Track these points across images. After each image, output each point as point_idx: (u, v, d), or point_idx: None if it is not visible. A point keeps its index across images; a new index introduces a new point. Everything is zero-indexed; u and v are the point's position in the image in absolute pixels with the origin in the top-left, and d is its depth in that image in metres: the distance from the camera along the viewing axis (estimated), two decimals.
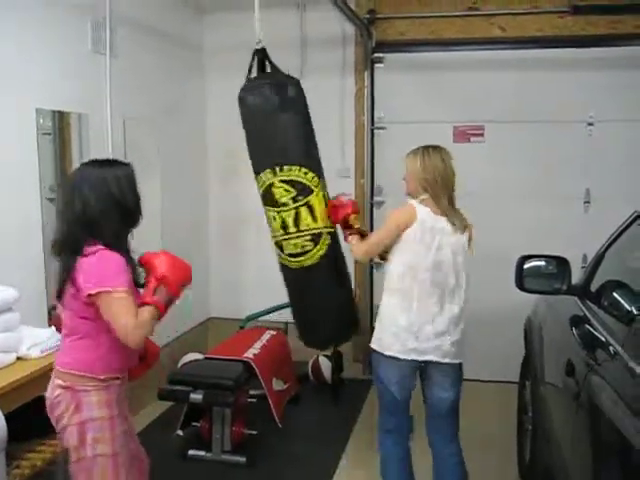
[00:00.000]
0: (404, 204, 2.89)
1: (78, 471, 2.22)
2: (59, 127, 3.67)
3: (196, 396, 3.55)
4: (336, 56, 5.05)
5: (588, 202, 4.75)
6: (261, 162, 2.78)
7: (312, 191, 2.79)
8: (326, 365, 4.75)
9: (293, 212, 2.73)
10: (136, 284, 2.22)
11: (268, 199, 2.79)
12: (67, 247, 2.15)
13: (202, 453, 3.66)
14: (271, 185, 2.74)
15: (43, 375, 2.70)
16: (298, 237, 2.76)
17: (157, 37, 4.53)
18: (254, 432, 3.75)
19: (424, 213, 2.78)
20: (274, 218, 2.78)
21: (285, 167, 2.73)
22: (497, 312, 4.74)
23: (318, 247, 2.81)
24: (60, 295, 2.20)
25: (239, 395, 3.67)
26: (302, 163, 2.80)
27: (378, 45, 4.94)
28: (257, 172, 2.82)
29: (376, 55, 4.95)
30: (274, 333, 4.39)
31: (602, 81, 4.63)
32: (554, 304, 3.10)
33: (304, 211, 2.74)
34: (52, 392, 2.22)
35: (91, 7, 3.75)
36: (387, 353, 2.82)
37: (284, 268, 2.91)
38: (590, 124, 4.71)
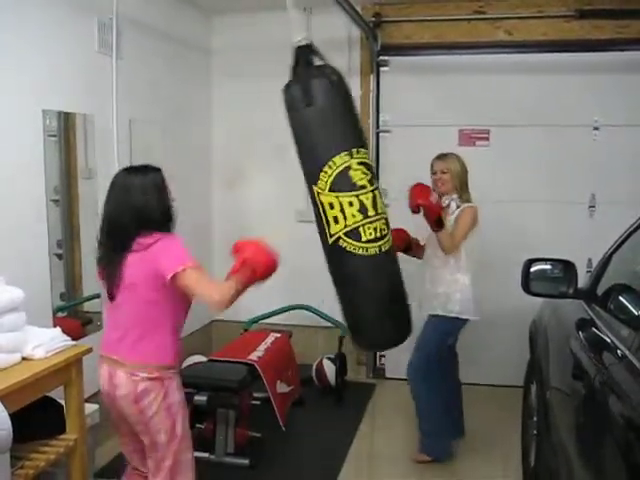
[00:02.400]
0: (469, 207, 3.65)
1: (168, 452, 2.49)
2: (65, 128, 3.67)
3: (200, 398, 3.54)
4: (342, 59, 5.03)
5: (593, 206, 4.74)
6: (335, 146, 2.63)
7: (375, 174, 2.83)
8: (330, 368, 4.75)
9: (371, 195, 2.62)
10: None
11: (344, 183, 2.61)
12: (115, 245, 2.42)
13: (205, 455, 3.65)
14: (349, 167, 2.59)
15: (48, 375, 2.70)
16: (378, 220, 2.64)
17: (164, 39, 4.54)
18: (258, 434, 3.75)
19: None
20: (350, 204, 2.60)
21: (361, 149, 2.64)
22: (502, 316, 4.73)
23: (390, 231, 2.74)
24: (113, 295, 2.45)
25: (243, 397, 3.67)
26: (364, 145, 2.74)
27: (383, 48, 4.95)
28: (329, 157, 2.63)
29: (381, 58, 4.96)
30: (278, 336, 4.39)
31: (608, 85, 4.62)
32: (559, 308, 3.09)
33: (378, 194, 2.68)
34: (134, 386, 2.41)
35: (98, 8, 3.76)
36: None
37: (356, 258, 2.66)
38: (595, 128, 4.70)
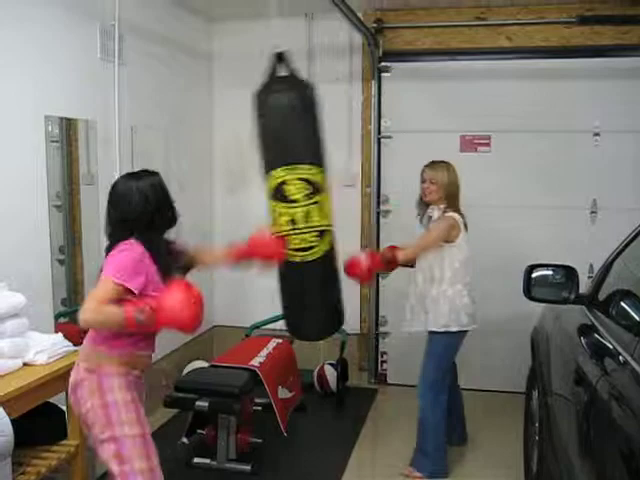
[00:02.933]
0: (448, 217, 3.56)
1: (110, 455, 2.37)
2: (67, 134, 3.69)
3: (202, 404, 3.54)
4: (343, 65, 5.06)
5: (595, 212, 4.74)
6: (275, 160, 2.87)
7: (322, 190, 2.90)
8: (331, 373, 4.75)
9: (304, 209, 2.84)
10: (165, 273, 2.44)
11: (278, 195, 2.86)
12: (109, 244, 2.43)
13: (207, 461, 3.64)
14: (284, 182, 2.82)
15: (49, 381, 2.71)
16: (307, 232, 2.86)
17: (166, 45, 4.55)
18: (259, 440, 3.74)
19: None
20: (280, 214, 2.86)
21: (299, 165, 2.82)
22: (504, 322, 4.73)
23: (322, 243, 2.92)
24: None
25: (244, 403, 3.67)
26: (315, 162, 2.90)
27: (385, 54, 4.96)
28: (270, 169, 2.88)
29: (383, 64, 4.97)
30: (280, 341, 4.38)
31: (608, 91, 4.63)
32: (561, 314, 3.08)
33: (315, 208, 2.86)
34: (76, 373, 2.44)
35: (100, 15, 3.77)
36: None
37: (284, 262, 2.94)
38: (596, 134, 4.71)
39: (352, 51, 5.04)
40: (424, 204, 3.73)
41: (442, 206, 3.63)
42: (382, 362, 5.22)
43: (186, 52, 4.94)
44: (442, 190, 3.61)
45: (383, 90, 5.04)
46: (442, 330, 3.54)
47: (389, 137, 5.05)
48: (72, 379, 2.45)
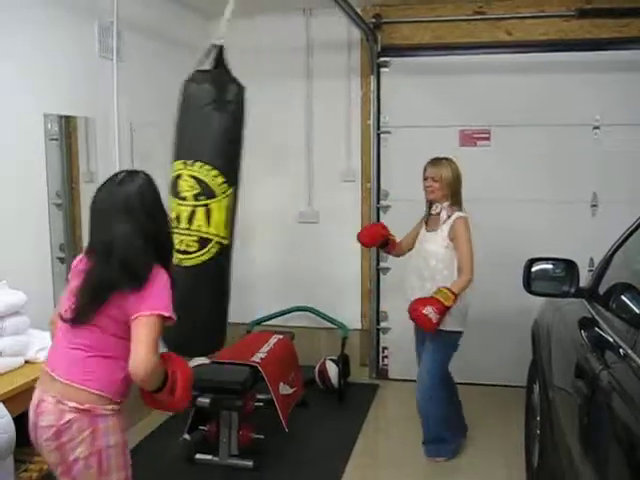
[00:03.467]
0: (460, 218, 3.59)
1: None
2: (66, 132, 3.69)
3: (203, 400, 3.55)
4: (342, 60, 5.05)
5: (595, 205, 4.74)
6: (178, 152, 2.76)
7: (215, 195, 2.70)
8: (333, 369, 4.75)
9: (190, 209, 2.67)
10: None
11: (173, 189, 2.73)
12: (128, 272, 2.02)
13: (209, 457, 3.66)
14: (179, 176, 2.69)
15: None
16: (188, 235, 2.68)
17: (164, 42, 4.55)
18: (261, 436, 3.75)
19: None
20: (172, 209, 2.67)
21: (197, 163, 2.68)
22: (504, 315, 4.73)
23: (202, 252, 2.70)
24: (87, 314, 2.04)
25: (246, 399, 3.67)
26: (215, 165, 2.72)
27: (384, 49, 4.95)
28: (173, 160, 2.78)
29: (382, 59, 4.96)
30: (281, 337, 4.39)
31: (608, 84, 4.62)
32: (561, 307, 3.08)
33: (200, 212, 2.67)
34: (60, 415, 2.01)
35: (98, 12, 3.76)
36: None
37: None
38: (596, 127, 4.70)
39: (351, 46, 5.03)
40: (427, 202, 3.74)
41: (446, 204, 3.62)
42: (383, 357, 5.22)
43: (185, 49, 4.92)
44: (446, 187, 3.60)
45: (382, 85, 5.03)
46: (449, 329, 3.55)
47: (388, 132, 5.04)
48: (53, 420, 2.02)
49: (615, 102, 4.63)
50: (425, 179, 3.66)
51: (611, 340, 2.19)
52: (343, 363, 4.75)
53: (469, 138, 4.91)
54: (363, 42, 4.96)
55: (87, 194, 3.74)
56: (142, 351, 1.92)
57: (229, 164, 2.77)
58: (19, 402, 2.49)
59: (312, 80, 5.01)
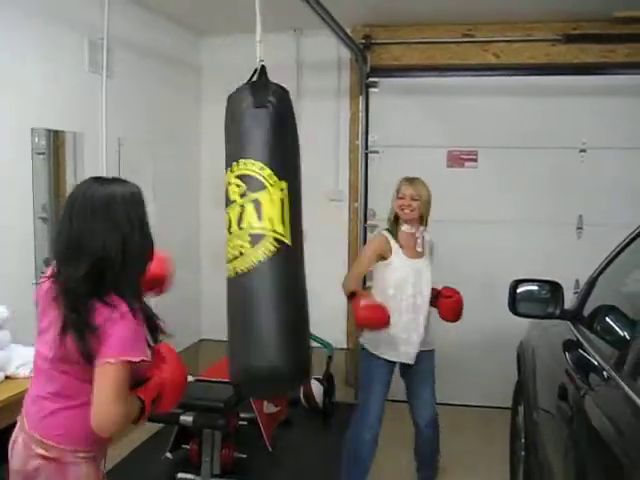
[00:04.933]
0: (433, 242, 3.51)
1: None
2: (54, 146, 3.67)
3: (186, 418, 3.51)
4: (331, 80, 5.09)
5: (581, 228, 4.77)
6: (227, 163, 2.44)
7: (264, 187, 2.32)
8: (318, 389, 4.72)
9: (238, 209, 2.29)
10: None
11: (225, 201, 2.40)
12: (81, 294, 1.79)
13: (191, 476, 3.61)
14: (228, 184, 2.37)
15: None
16: (236, 237, 2.27)
17: (155, 58, 4.56)
18: (244, 456, 3.71)
19: None
20: (225, 222, 2.37)
21: (240, 161, 2.37)
22: (490, 337, 4.74)
23: (255, 250, 2.23)
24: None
25: (230, 418, 3.64)
26: (260, 159, 2.38)
27: (373, 70, 4.98)
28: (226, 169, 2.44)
29: (371, 80, 4.99)
30: None
31: (594, 108, 4.67)
32: (547, 329, 3.09)
33: (250, 206, 2.27)
34: (28, 461, 1.85)
35: (89, 27, 3.77)
36: None
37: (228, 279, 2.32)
38: (582, 150, 4.75)
39: (340, 66, 5.07)
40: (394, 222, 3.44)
41: (422, 228, 3.40)
42: None
43: (175, 65, 4.95)
44: (423, 207, 3.35)
45: (371, 105, 5.06)
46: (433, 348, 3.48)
47: (376, 152, 5.06)
48: (21, 465, 1.87)
49: (601, 126, 4.68)
50: (402, 198, 3.37)
51: (595, 362, 2.19)
52: (328, 382, 4.72)
53: (457, 159, 4.94)
54: (352, 62, 5.00)
55: None
56: (107, 407, 1.74)
57: (277, 158, 2.40)
58: None
59: (301, 99, 5.03)
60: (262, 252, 2.23)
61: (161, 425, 4.05)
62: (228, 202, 2.35)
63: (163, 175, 4.63)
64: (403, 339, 3.32)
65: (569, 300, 2.89)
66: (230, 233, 2.30)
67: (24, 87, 3.30)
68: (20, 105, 3.28)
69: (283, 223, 2.30)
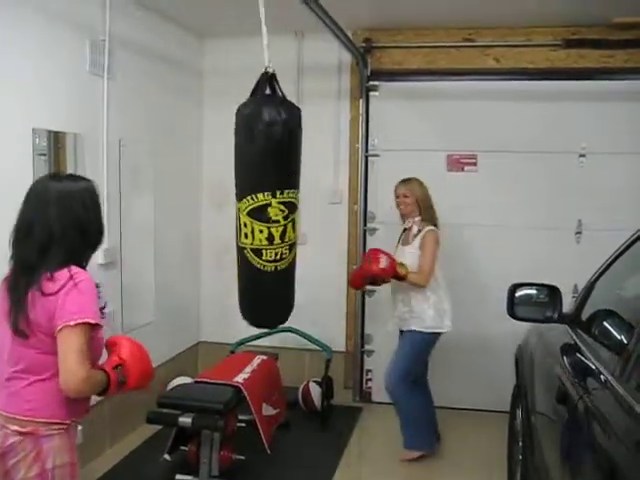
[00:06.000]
0: (431, 231, 3.93)
1: None
2: (55, 147, 3.68)
3: (185, 420, 3.52)
4: (332, 83, 5.10)
5: (579, 232, 4.78)
6: (261, 185, 3.10)
7: (297, 208, 3.24)
8: (316, 391, 4.73)
9: (282, 227, 3.14)
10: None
11: (260, 215, 3.12)
12: (31, 269, 1.99)
13: (189, 478, 3.61)
14: (269, 204, 3.09)
15: None
16: (282, 247, 3.17)
17: (156, 60, 4.57)
18: (242, 457, 3.71)
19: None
20: (260, 231, 3.13)
21: (285, 191, 3.10)
22: (488, 340, 4.74)
23: (292, 254, 3.27)
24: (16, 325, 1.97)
25: (228, 420, 3.64)
26: (295, 185, 3.22)
27: (373, 73, 4.99)
28: (255, 192, 3.10)
29: (371, 83, 5.00)
30: (265, 358, 4.37)
31: (594, 113, 4.69)
32: (545, 332, 3.10)
33: (291, 225, 3.18)
34: (3, 438, 1.97)
35: (90, 29, 3.78)
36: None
37: (253, 269, 3.23)
38: (582, 155, 4.76)
39: (341, 69, 5.08)
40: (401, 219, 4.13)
41: (417, 218, 3.99)
42: (367, 380, 5.21)
43: (176, 67, 4.96)
44: (417, 202, 3.99)
45: (371, 109, 5.07)
46: (428, 331, 3.91)
47: (377, 155, 5.08)
48: None
49: (601, 131, 4.69)
50: (397, 197, 4.06)
51: (592, 366, 2.20)
52: (327, 385, 4.72)
53: (456, 163, 4.95)
54: (353, 66, 5.01)
55: None
56: (72, 365, 1.88)
57: (298, 177, 3.25)
58: None
59: (302, 102, 5.02)
60: (294, 254, 3.30)
61: (159, 427, 4.05)
62: (269, 220, 3.11)
63: (164, 176, 4.64)
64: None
65: (567, 304, 2.90)
66: (272, 243, 3.14)
67: (26, 88, 3.30)
68: (22, 106, 3.29)
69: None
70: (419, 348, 3.99)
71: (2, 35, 3.15)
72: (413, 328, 3.94)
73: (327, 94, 5.08)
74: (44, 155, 3.59)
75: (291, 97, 5.09)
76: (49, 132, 3.55)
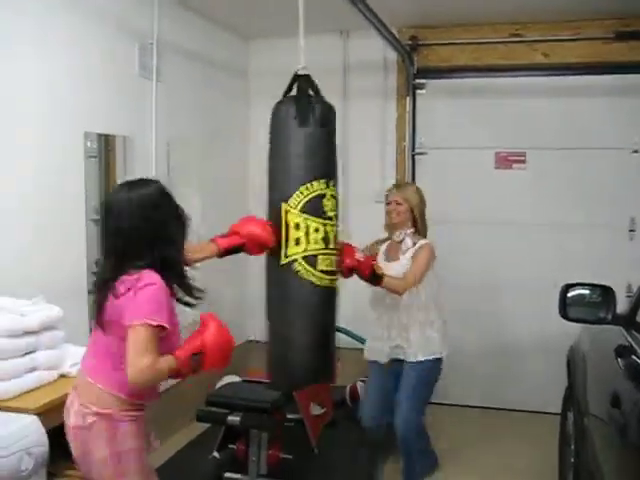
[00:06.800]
0: (428, 244, 3.36)
1: None
2: (105, 150, 3.75)
3: (234, 418, 3.55)
4: (378, 82, 5.07)
5: (633, 230, 4.66)
6: (316, 170, 2.62)
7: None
8: (363, 391, 4.71)
9: (335, 229, 2.63)
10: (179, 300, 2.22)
11: (315, 209, 2.59)
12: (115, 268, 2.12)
13: (238, 476, 3.64)
14: (323, 195, 2.59)
15: None
16: (333, 255, 2.62)
17: (203, 62, 4.62)
18: (290, 456, 3.72)
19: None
20: (316, 230, 2.57)
21: (331, 182, 2.64)
22: (539, 341, 4.67)
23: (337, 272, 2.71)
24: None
25: (276, 419, 3.66)
26: (336, 183, 2.72)
27: (420, 71, 4.96)
28: (309, 180, 2.60)
29: (418, 81, 4.97)
30: None
31: None
32: (598, 334, 3.03)
33: (336, 230, 2.66)
34: (82, 418, 2.13)
35: (139, 32, 3.84)
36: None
37: (307, 284, 2.59)
38: (635, 151, 4.64)
39: (387, 68, 5.05)
40: (388, 228, 3.52)
41: (410, 231, 3.42)
42: None
43: (223, 69, 5.00)
44: (410, 211, 3.41)
45: (418, 107, 5.03)
46: (437, 356, 3.39)
47: (424, 154, 5.04)
48: (73, 422, 2.15)
49: None
50: (388, 203, 3.46)
51: None
52: None
53: (505, 160, 4.88)
54: (399, 64, 4.98)
55: None
56: (134, 360, 1.99)
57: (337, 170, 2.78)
58: (53, 416, 2.52)
59: (348, 101, 5.03)
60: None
61: (208, 425, 4.09)
62: (323, 215, 2.58)
63: (211, 177, 4.69)
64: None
65: (621, 304, 2.83)
66: (327, 247, 2.58)
67: (77, 92, 3.37)
68: (73, 110, 3.36)
69: None
70: (433, 377, 3.45)
71: (55, 41, 3.22)
72: (420, 358, 3.36)
73: (373, 93, 5.06)
74: (95, 157, 3.67)
75: (337, 96, 5.13)
76: (99, 135, 3.63)
